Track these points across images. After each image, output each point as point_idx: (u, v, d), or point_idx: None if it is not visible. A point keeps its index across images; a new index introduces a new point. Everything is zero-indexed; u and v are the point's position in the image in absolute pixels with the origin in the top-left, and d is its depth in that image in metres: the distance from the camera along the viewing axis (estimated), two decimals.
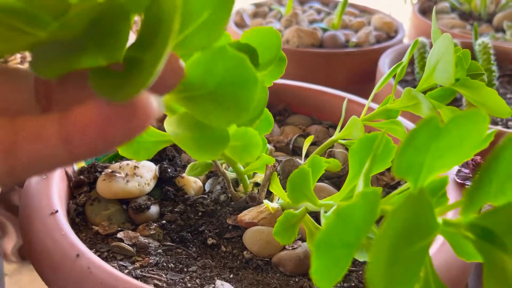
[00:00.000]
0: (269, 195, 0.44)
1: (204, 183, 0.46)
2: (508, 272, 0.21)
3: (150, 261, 0.36)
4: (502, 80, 0.77)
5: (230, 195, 0.44)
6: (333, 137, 0.47)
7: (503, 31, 0.99)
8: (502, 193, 0.24)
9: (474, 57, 0.73)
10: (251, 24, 0.95)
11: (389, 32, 0.93)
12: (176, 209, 0.42)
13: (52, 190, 0.38)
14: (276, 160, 0.48)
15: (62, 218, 0.35)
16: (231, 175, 0.44)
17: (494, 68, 0.68)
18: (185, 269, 0.36)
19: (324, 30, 0.90)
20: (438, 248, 0.35)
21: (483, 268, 0.22)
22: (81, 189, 0.42)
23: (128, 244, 0.38)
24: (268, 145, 0.49)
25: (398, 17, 1.02)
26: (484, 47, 0.69)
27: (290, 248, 0.39)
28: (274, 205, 0.40)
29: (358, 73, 0.81)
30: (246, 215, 0.41)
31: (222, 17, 0.21)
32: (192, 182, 0.45)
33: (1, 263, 0.49)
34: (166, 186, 0.44)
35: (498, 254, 0.22)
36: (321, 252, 0.21)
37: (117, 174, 0.42)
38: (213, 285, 0.34)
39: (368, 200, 0.21)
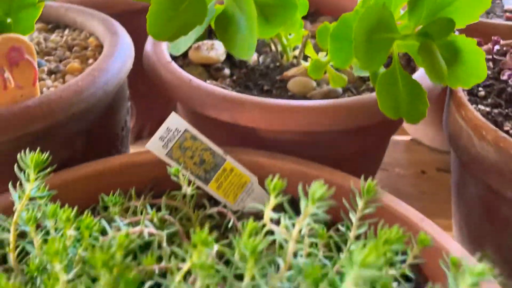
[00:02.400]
0: (305, 60, 0.63)
1: (258, 58, 0.66)
2: (433, 51, 0.40)
3: None
4: None
5: (277, 64, 0.64)
6: None
7: None
8: (434, 16, 0.42)
9: None
10: None
11: None
12: (241, 71, 0.62)
13: (164, 53, 0.58)
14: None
15: (175, 64, 0.55)
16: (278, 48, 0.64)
17: None
18: None
19: None
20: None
21: (420, 54, 0.41)
22: (178, 57, 0.63)
23: None
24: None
25: None
26: None
27: (319, 89, 0.58)
28: (308, 64, 0.59)
29: None
30: (289, 72, 0.60)
31: None
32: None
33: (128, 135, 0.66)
34: (233, 58, 0.64)
35: (429, 42, 0.41)
36: (333, 40, 0.40)
37: (202, 47, 0.62)
38: None
39: (358, 13, 0.40)
